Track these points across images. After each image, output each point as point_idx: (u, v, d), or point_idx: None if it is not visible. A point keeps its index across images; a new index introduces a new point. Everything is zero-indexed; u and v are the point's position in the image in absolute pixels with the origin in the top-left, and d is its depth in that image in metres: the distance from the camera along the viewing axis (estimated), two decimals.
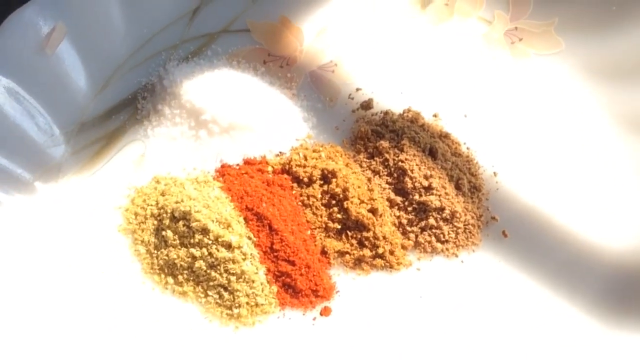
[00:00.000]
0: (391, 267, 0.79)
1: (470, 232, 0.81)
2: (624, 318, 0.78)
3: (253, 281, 0.76)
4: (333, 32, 0.90)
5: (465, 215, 0.80)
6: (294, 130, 0.85)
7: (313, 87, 0.88)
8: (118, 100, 0.86)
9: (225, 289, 0.77)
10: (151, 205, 0.80)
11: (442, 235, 0.80)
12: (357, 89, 0.88)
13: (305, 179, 0.81)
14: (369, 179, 0.82)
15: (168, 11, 0.90)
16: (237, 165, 0.83)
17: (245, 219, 0.79)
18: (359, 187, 0.80)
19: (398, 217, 0.81)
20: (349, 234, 0.80)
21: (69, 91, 0.84)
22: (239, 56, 0.89)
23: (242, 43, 0.90)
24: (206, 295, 0.77)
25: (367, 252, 0.79)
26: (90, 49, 0.85)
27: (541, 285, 0.81)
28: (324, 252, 0.80)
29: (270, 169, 0.83)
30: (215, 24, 0.91)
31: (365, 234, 0.79)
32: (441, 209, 0.80)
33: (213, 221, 0.76)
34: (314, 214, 0.80)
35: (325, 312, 0.77)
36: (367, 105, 0.86)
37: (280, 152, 0.84)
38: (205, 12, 0.91)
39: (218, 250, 0.76)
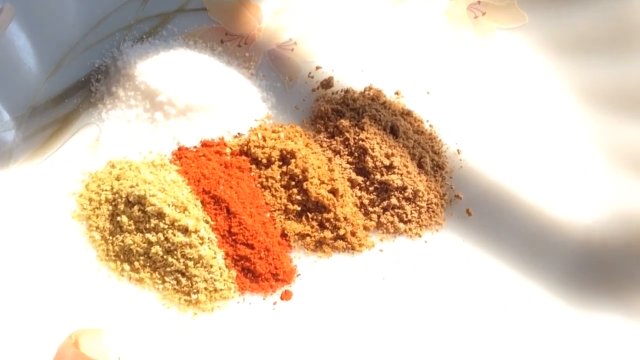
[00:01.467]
0: (353, 248, 0.78)
1: (433, 212, 0.79)
2: (591, 295, 0.78)
3: (211, 266, 0.74)
4: (293, 9, 0.87)
5: (428, 194, 0.79)
6: (252, 110, 0.83)
7: (272, 66, 0.85)
8: (71, 83, 0.84)
9: (183, 274, 0.75)
10: (106, 190, 0.78)
11: (404, 215, 0.79)
12: (317, 67, 0.85)
13: (264, 160, 0.79)
14: (330, 159, 0.80)
15: None
16: (195, 147, 0.81)
17: (202, 202, 0.77)
18: (319, 167, 0.78)
19: (360, 197, 0.79)
20: (310, 215, 0.78)
21: (19, 74, 0.81)
22: (196, 36, 0.87)
23: (198, 22, 0.88)
24: (163, 282, 0.75)
25: (328, 234, 0.77)
26: (41, 30, 0.82)
27: (506, 264, 0.79)
28: (284, 235, 0.78)
29: (228, 150, 0.81)
30: (170, 3, 0.88)
31: (325, 215, 0.77)
32: (403, 188, 0.78)
33: (169, 205, 0.74)
34: (273, 195, 0.78)
35: (285, 296, 0.76)
36: (327, 83, 0.84)
37: (239, 134, 0.82)
38: None
39: (174, 235, 0.74)
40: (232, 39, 0.86)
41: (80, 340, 0.62)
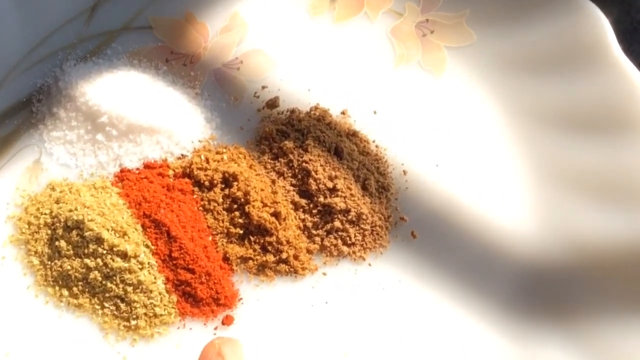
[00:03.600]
0: (296, 272, 0.77)
1: (377, 234, 0.78)
2: (535, 319, 0.78)
3: (151, 291, 0.73)
4: (239, 28, 0.85)
5: (372, 216, 0.78)
6: (196, 131, 0.82)
7: (217, 86, 0.84)
8: (11, 103, 0.82)
9: (122, 300, 0.74)
10: (45, 214, 0.77)
11: (348, 238, 0.78)
12: (263, 87, 0.84)
13: (207, 183, 0.78)
14: (273, 181, 0.79)
15: (65, 8, 0.86)
16: (137, 169, 0.79)
17: (143, 226, 0.76)
18: (262, 189, 0.77)
19: (303, 220, 0.78)
20: (252, 239, 0.77)
21: None
22: (140, 55, 0.85)
23: (143, 41, 0.86)
24: (102, 307, 0.74)
25: (270, 258, 0.76)
26: None
27: (451, 287, 0.78)
28: (226, 259, 0.77)
29: (171, 172, 0.80)
30: (115, 21, 0.87)
31: (268, 238, 0.76)
32: (346, 211, 0.77)
33: (108, 230, 0.73)
34: (215, 219, 0.77)
35: (227, 321, 0.75)
36: (272, 103, 0.83)
37: (182, 155, 0.81)
38: (104, 9, 0.87)
39: (113, 260, 0.73)
40: (177, 58, 0.85)
41: (224, 349, 0.65)
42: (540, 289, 0.78)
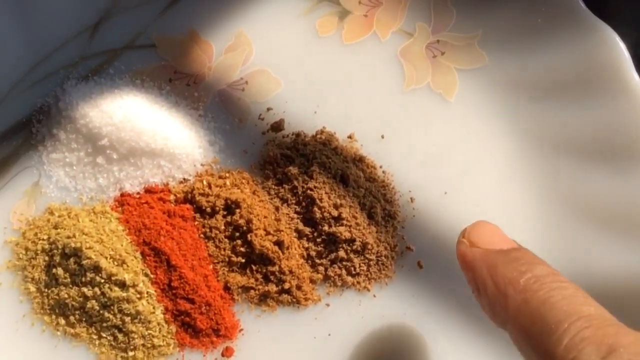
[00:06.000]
0: (299, 302, 0.75)
1: (383, 264, 0.76)
2: None
3: (149, 321, 0.72)
4: (244, 47, 0.83)
5: (378, 246, 0.76)
6: (199, 155, 0.79)
7: (222, 107, 0.82)
8: (11, 124, 0.80)
9: (120, 330, 0.72)
10: (42, 239, 0.75)
11: (353, 268, 0.76)
12: (268, 109, 0.82)
13: (208, 210, 0.76)
14: (277, 208, 0.77)
15: (67, 25, 0.84)
16: (138, 193, 0.77)
17: (142, 253, 0.74)
18: (265, 217, 0.75)
19: (307, 248, 0.76)
20: (254, 268, 0.75)
21: None
22: (143, 74, 0.83)
23: (147, 60, 0.84)
24: (100, 337, 0.73)
25: (272, 288, 0.74)
26: None
27: (458, 320, 0.76)
28: (226, 288, 0.75)
29: (172, 197, 0.77)
30: (118, 39, 0.84)
31: (270, 268, 0.75)
32: (351, 241, 0.75)
33: (106, 258, 0.72)
34: (216, 246, 0.75)
35: (227, 352, 0.73)
36: (277, 126, 0.81)
37: (185, 179, 0.78)
38: (107, 27, 0.84)
39: (111, 290, 0.71)
40: (180, 78, 0.83)
41: None
42: None
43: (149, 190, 0.79)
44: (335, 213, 0.76)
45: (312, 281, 0.76)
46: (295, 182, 0.78)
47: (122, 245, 0.74)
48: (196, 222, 0.77)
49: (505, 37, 0.85)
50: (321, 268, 0.77)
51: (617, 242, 0.76)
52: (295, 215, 0.78)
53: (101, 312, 0.73)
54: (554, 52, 0.82)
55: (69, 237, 0.73)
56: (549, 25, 0.82)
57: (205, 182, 0.78)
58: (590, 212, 0.78)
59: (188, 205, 0.78)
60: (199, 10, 0.86)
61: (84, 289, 0.72)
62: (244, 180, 0.79)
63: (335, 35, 0.86)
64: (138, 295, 0.73)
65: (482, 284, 0.57)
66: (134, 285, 0.72)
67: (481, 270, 0.58)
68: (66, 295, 0.73)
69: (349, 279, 0.76)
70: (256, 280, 0.76)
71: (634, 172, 0.76)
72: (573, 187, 0.79)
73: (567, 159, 0.81)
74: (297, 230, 0.77)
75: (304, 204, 0.77)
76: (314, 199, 0.76)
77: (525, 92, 0.83)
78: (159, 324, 0.73)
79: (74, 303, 0.73)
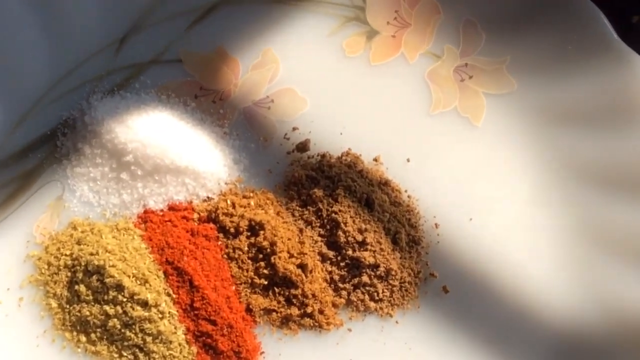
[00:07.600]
0: (320, 326, 0.74)
1: (406, 290, 0.76)
2: None
3: (170, 342, 0.71)
4: (271, 65, 0.82)
5: (402, 272, 0.75)
6: (223, 173, 0.79)
7: (247, 125, 0.81)
8: (36, 137, 0.80)
9: (141, 349, 0.72)
10: (65, 255, 0.74)
11: (376, 294, 0.75)
12: (294, 128, 0.82)
13: (232, 230, 0.75)
14: (301, 230, 0.77)
15: (94, 39, 0.83)
16: (161, 210, 0.76)
17: (165, 273, 0.74)
18: (289, 239, 0.75)
19: (330, 272, 0.76)
20: (276, 290, 0.75)
21: None
22: (169, 89, 0.83)
23: (173, 75, 0.83)
24: (120, 356, 0.73)
25: (295, 311, 0.74)
26: (6, 80, 0.80)
27: (482, 348, 0.75)
28: (249, 310, 0.75)
29: (196, 216, 0.77)
30: (144, 53, 0.84)
31: (293, 291, 0.74)
32: (375, 266, 0.74)
33: (129, 277, 0.71)
34: (239, 267, 0.75)
35: None
36: (303, 147, 0.80)
37: (208, 197, 0.78)
38: (134, 41, 0.84)
39: (133, 309, 0.71)
40: (206, 94, 0.82)
41: None
42: (576, 353, 0.74)
43: (172, 208, 0.78)
44: (359, 238, 0.75)
45: (334, 305, 0.76)
46: (320, 205, 0.77)
47: (145, 264, 0.74)
48: (219, 242, 0.76)
49: (534, 63, 0.84)
50: (344, 292, 0.76)
51: None
52: (319, 238, 0.77)
53: (122, 330, 0.72)
54: (584, 80, 0.82)
55: (92, 254, 0.73)
56: (579, 53, 0.82)
57: (229, 202, 0.78)
58: (617, 244, 0.78)
59: (212, 225, 0.77)
60: (226, 26, 0.85)
61: (106, 307, 0.72)
62: (268, 201, 0.79)
63: (363, 56, 0.86)
64: (160, 315, 0.72)
65: None
66: (156, 305, 0.72)
67: None
68: (88, 313, 0.73)
69: (372, 304, 0.76)
70: (278, 302, 0.75)
71: None
72: (600, 218, 0.79)
73: (592, 188, 0.81)
74: (320, 254, 0.77)
75: (328, 227, 0.77)
76: (338, 222, 0.76)
77: (554, 120, 0.83)
78: (180, 344, 0.73)
79: (95, 321, 0.73)
